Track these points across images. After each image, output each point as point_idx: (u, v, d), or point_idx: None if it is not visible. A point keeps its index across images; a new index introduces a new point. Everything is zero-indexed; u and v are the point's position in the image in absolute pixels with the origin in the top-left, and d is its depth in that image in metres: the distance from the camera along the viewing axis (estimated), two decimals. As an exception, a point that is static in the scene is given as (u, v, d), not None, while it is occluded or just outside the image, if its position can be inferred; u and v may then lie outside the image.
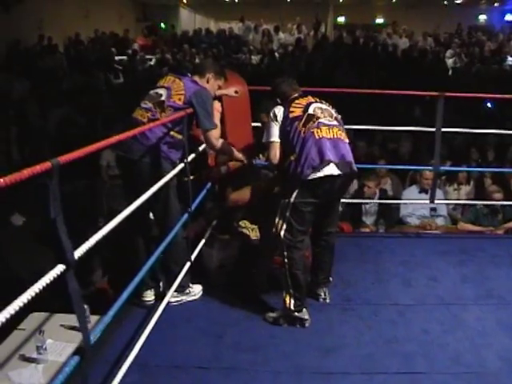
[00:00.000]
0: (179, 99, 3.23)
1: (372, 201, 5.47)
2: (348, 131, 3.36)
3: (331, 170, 3.01)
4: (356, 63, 10.86)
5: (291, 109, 3.19)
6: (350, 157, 3.12)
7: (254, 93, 4.16)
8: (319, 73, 10.53)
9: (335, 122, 3.17)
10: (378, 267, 4.09)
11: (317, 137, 3.05)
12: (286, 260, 3.11)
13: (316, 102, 3.25)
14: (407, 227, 5.46)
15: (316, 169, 3.00)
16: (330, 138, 3.07)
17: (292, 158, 3.09)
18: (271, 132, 3.23)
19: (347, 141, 3.18)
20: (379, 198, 5.57)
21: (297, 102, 3.24)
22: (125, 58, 13.06)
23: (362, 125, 4.93)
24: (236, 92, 3.87)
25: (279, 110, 3.23)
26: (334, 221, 3.41)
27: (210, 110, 3.31)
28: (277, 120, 3.21)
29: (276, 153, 3.22)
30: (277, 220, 3.13)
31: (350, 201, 5.39)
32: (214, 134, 3.32)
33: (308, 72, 10.54)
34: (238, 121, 3.88)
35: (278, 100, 3.38)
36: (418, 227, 5.37)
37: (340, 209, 3.63)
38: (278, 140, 3.21)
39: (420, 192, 5.68)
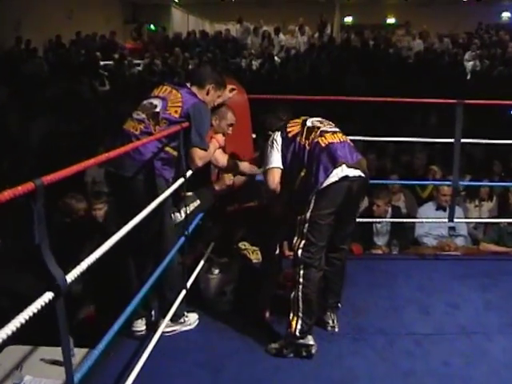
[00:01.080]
0: (175, 112, 3.27)
1: (384, 219, 5.48)
2: (356, 143, 3.42)
3: (345, 171, 3.10)
4: (365, 68, 10.99)
5: (288, 129, 3.33)
6: (361, 157, 3.24)
7: (254, 102, 4.18)
8: (325, 79, 10.64)
9: (337, 129, 3.32)
10: (391, 293, 4.10)
11: (323, 144, 3.17)
12: (301, 280, 3.10)
13: (311, 117, 3.38)
14: (423, 248, 5.46)
15: (330, 173, 3.08)
16: (338, 142, 3.20)
17: (302, 173, 3.18)
18: (270, 159, 3.33)
19: (352, 144, 3.29)
20: (392, 217, 5.58)
21: (291, 121, 3.39)
22: (111, 62, 13.21)
23: (372, 136, 4.93)
24: (232, 90, 3.87)
25: (276, 135, 3.35)
26: (348, 236, 3.44)
27: (206, 128, 3.35)
28: (275, 146, 3.32)
29: (275, 178, 3.30)
30: (295, 239, 3.17)
31: (360, 220, 5.29)
32: (200, 154, 3.33)
33: (313, 78, 10.62)
34: (238, 132, 3.91)
35: (269, 133, 3.48)
36: (435, 248, 5.37)
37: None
38: (279, 166, 3.30)
39: (437, 209, 5.70)
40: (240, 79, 4.50)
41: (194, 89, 3.46)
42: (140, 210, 2.59)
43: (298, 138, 3.25)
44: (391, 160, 7.33)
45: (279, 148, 3.31)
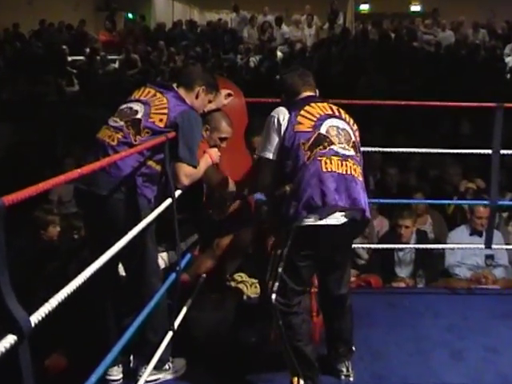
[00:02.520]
0: (160, 120, 3.29)
1: (407, 245, 5.45)
2: (374, 156, 3.41)
3: (335, 218, 3.05)
4: (385, 66, 11.05)
5: (299, 118, 3.20)
6: (363, 202, 3.13)
7: (252, 106, 4.20)
8: (337, 79, 10.65)
9: (352, 152, 3.19)
10: (417, 334, 4.09)
11: (324, 169, 3.07)
12: (283, 330, 3.11)
13: (334, 115, 3.28)
14: (455, 281, 5.44)
15: (315, 213, 3.03)
16: (342, 174, 3.09)
17: (287, 188, 3.15)
18: (267, 143, 3.27)
19: (361, 179, 3.19)
20: (417, 242, 5.55)
21: (308, 108, 3.25)
22: (80, 58, 13.25)
23: (392, 146, 4.91)
24: (229, 95, 3.89)
25: (283, 115, 3.24)
26: (344, 280, 3.40)
27: (196, 141, 3.37)
28: (278, 128, 3.22)
29: (267, 176, 3.30)
30: (267, 278, 3.20)
31: (379, 246, 5.39)
32: (186, 170, 3.33)
33: (321, 78, 10.65)
34: (233, 144, 3.92)
35: (283, 97, 3.45)
36: (469, 281, 5.35)
37: (363, 259, 3.54)
38: (275, 158, 3.24)
39: (471, 234, 5.69)
40: (235, 79, 4.63)
41: (181, 91, 3.49)
42: (118, 236, 2.56)
43: (301, 142, 3.13)
44: (416, 175, 7.35)
45: (280, 134, 3.21)
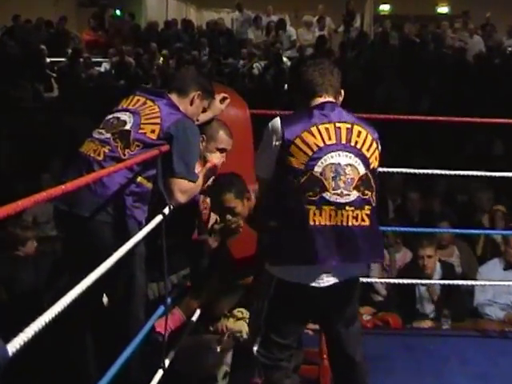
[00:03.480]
0: (152, 131, 3.33)
1: (431, 281, 5.41)
2: (394, 178, 3.31)
3: (320, 280, 2.99)
4: (407, 74, 11.02)
5: (292, 148, 3.02)
6: (366, 254, 3.05)
7: (256, 119, 4.16)
8: (352, 89, 10.51)
9: (352, 197, 2.98)
10: (442, 383, 4.09)
11: (311, 221, 2.94)
12: None
13: (340, 143, 3.05)
14: (486, 322, 5.41)
15: (298, 270, 2.99)
16: (335, 227, 2.97)
17: (272, 223, 3.09)
18: (259, 160, 3.26)
19: (366, 223, 3.01)
20: (442, 277, 5.51)
21: (306, 135, 3.03)
22: (61, 60, 13.24)
23: (415, 167, 4.87)
24: (223, 100, 3.87)
25: (276, 136, 3.08)
26: (350, 340, 3.20)
27: (194, 154, 3.41)
28: (271, 139, 3.10)
29: (263, 195, 3.33)
30: (248, 328, 3.25)
31: (399, 281, 5.26)
32: (183, 186, 3.32)
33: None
34: (235, 161, 3.91)
35: (296, 97, 3.37)
36: (502, 322, 5.34)
37: (380, 295, 3.41)
38: (268, 176, 3.16)
39: (506, 269, 5.68)
40: (236, 87, 4.61)
41: (174, 97, 3.52)
42: (100, 262, 2.51)
43: (291, 179, 3.01)
44: (441, 201, 7.33)
45: (272, 147, 3.09)
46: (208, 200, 3.98)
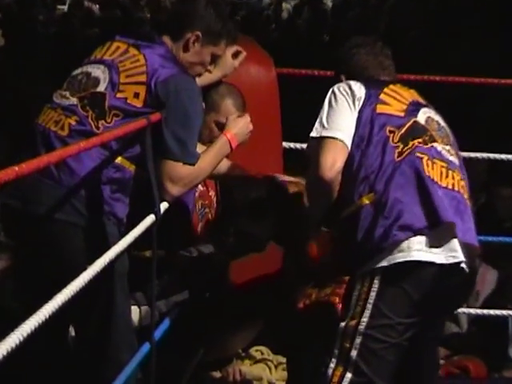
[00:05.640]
0: (135, 95, 2.99)
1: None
2: (475, 165, 3.58)
3: (454, 251, 2.69)
4: (493, 28, 9.69)
5: (382, 95, 2.88)
6: (474, 232, 2.84)
7: (284, 79, 3.87)
8: (417, 44, 9.67)
9: (457, 162, 2.91)
10: None
11: (426, 173, 2.75)
12: None
13: (427, 105, 2.99)
14: None
15: (421, 240, 2.66)
16: (448, 190, 2.80)
17: (366, 201, 2.74)
18: (331, 120, 2.85)
19: (470, 202, 2.91)
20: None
21: (393, 87, 2.96)
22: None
23: (504, 151, 4.42)
24: (236, 54, 3.47)
25: (358, 86, 2.87)
26: (432, 366, 3.04)
27: (193, 125, 3.07)
28: (351, 99, 2.86)
29: (335, 159, 2.79)
30: (331, 365, 2.75)
31: (481, 311, 4.71)
32: (176, 172, 3.00)
33: (392, 40, 9.45)
34: (257, 139, 3.48)
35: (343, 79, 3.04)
36: None
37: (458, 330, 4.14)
38: (344, 139, 2.79)
39: None
40: (257, 37, 4.30)
41: (166, 39, 3.14)
42: (67, 281, 2.19)
43: (388, 129, 2.79)
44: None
45: (355, 109, 2.83)
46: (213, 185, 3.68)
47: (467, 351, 4.81)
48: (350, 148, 2.82)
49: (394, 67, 3.15)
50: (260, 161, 3.71)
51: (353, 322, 2.72)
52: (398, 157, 2.76)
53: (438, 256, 2.67)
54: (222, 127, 3.40)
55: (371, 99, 2.87)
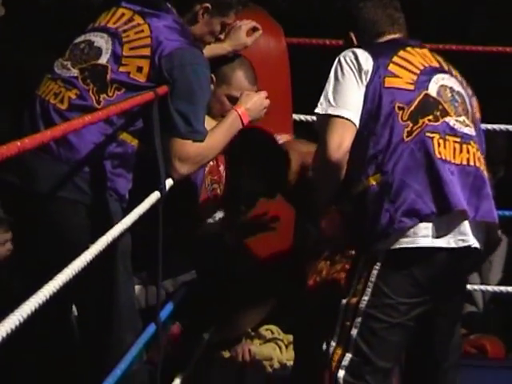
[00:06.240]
0: (139, 69, 2.90)
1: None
2: (492, 141, 3.56)
3: (464, 234, 2.67)
4: None
5: (391, 66, 2.78)
6: (495, 212, 2.81)
7: (296, 50, 3.82)
8: (436, 11, 9.29)
9: (473, 131, 2.82)
10: None
11: (437, 154, 2.68)
12: None
13: (442, 69, 2.89)
14: None
15: (427, 226, 2.65)
16: (463, 167, 2.75)
17: (373, 182, 2.70)
18: (338, 97, 2.77)
19: (486, 173, 2.88)
20: None
21: (404, 54, 2.84)
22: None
23: None
24: (253, 30, 3.39)
25: (365, 57, 2.77)
26: (453, 344, 3.00)
27: (202, 100, 2.99)
28: (357, 73, 2.77)
29: (343, 141, 2.73)
30: (332, 343, 2.77)
31: (497, 288, 4.64)
32: (185, 150, 2.92)
33: (411, 13, 9.18)
34: (268, 106, 3.35)
35: (353, 39, 2.94)
36: None
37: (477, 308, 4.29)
38: (351, 118, 2.71)
39: None
40: (268, 6, 4.08)
41: (172, 13, 3.04)
42: (68, 261, 2.12)
43: (397, 106, 2.71)
44: None
45: (363, 84, 2.74)
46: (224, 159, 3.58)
47: (484, 330, 4.79)
48: (357, 126, 2.76)
49: (405, 22, 3.02)
50: (275, 124, 3.61)
51: (354, 300, 2.72)
52: (407, 136, 2.70)
53: (447, 240, 2.65)
54: (234, 101, 3.33)
55: (379, 71, 2.77)
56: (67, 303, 3.05)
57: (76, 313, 3.14)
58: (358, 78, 2.77)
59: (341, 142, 2.74)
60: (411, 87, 2.76)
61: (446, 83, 2.85)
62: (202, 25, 3.10)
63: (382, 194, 2.70)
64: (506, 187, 6.08)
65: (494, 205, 2.78)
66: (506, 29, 8.50)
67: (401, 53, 2.85)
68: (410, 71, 2.80)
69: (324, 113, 2.80)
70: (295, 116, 3.88)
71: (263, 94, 3.27)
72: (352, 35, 2.97)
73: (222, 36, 3.27)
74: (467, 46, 4.56)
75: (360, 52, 2.80)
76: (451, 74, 2.91)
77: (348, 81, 2.78)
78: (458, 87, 2.87)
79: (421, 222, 2.64)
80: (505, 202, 5.11)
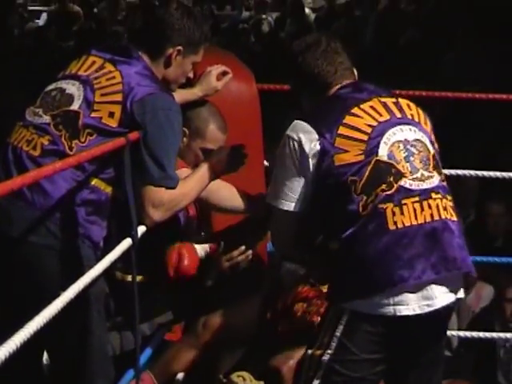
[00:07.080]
0: (110, 114, 2.94)
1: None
2: (464, 183, 3.52)
3: (429, 299, 2.67)
4: (485, 35, 9.21)
5: (338, 140, 2.72)
6: (466, 258, 2.77)
7: (265, 95, 3.86)
8: (406, 54, 9.36)
9: (435, 178, 2.77)
10: None
11: (391, 226, 2.66)
12: None
13: (395, 117, 2.81)
14: None
15: (383, 294, 2.65)
16: (424, 225, 2.69)
17: (335, 247, 2.74)
18: (283, 187, 2.80)
19: (455, 217, 2.80)
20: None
21: (351, 120, 2.76)
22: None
23: (498, 168, 4.34)
24: (222, 75, 3.43)
25: (309, 138, 2.74)
26: None
27: (171, 145, 3.02)
28: (301, 160, 2.76)
29: (287, 233, 2.88)
30: None
31: (471, 334, 4.47)
32: (158, 197, 2.92)
33: (381, 55, 9.47)
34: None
35: (302, 95, 2.97)
36: None
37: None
38: (298, 209, 2.77)
39: None
40: (238, 51, 4.34)
41: (144, 57, 3.07)
42: (39, 308, 2.12)
43: (350, 179, 2.67)
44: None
45: (308, 170, 2.73)
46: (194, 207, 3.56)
47: (456, 373, 4.70)
48: (300, 211, 2.77)
49: (350, 61, 2.98)
50: (242, 178, 3.57)
51: (318, 352, 2.71)
52: (362, 211, 2.68)
53: (412, 307, 2.64)
54: (209, 152, 3.38)
55: (327, 150, 2.73)
56: (38, 349, 3.02)
57: (47, 359, 3.12)
58: (300, 166, 2.76)
59: (285, 233, 2.90)
60: (361, 158, 2.72)
61: (398, 138, 2.79)
62: (175, 67, 3.12)
63: (344, 264, 2.73)
64: (478, 231, 6.09)
65: (463, 250, 2.76)
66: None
67: (347, 119, 2.78)
68: (357, 140, 2.75)
69: (268, 202, 2.89)
70: (266, 162, 3.87)
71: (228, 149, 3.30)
72: (295, 90, 3.03)
73: (191, 74, 3.29)
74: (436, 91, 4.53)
75: (304, 135, 2.75)
76: (406, 118, 2.85)
77: (289, 171, 2.78)
78: (413, 134, 2.81)
79: (381, 291, 2.64)
80: (478, 245, 5.15)
